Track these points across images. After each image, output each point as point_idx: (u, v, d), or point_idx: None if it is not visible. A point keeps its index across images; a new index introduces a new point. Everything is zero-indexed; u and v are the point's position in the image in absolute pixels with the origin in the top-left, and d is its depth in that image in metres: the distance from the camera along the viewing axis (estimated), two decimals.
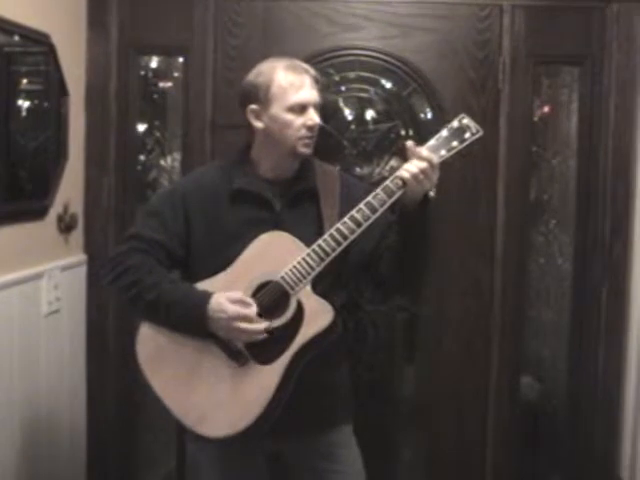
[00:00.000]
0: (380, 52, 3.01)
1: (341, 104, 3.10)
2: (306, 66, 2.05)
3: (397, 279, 2.06)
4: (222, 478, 2.09)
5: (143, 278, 1.97)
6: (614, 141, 2.97)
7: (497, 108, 2.98)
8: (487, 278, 3.03)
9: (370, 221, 1.94)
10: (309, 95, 2.01)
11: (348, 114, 3.11)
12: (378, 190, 1.95)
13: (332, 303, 1.94)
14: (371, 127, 3.12)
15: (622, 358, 3.00)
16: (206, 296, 1.93)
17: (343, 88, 3.10)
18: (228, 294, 1.93)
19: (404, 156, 1.98)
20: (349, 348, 2.10)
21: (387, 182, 1.96)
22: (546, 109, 3.14)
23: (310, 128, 2.01)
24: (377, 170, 3.10)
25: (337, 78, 3.07)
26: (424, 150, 1.94)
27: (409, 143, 1.96)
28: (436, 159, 1.94)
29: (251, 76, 2.05)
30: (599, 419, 3.03)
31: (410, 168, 1.92)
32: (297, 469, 2.13)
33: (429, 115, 3.07)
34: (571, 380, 3.08)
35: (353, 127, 3.11)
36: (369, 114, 3.12)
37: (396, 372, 3.23)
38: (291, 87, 1.99)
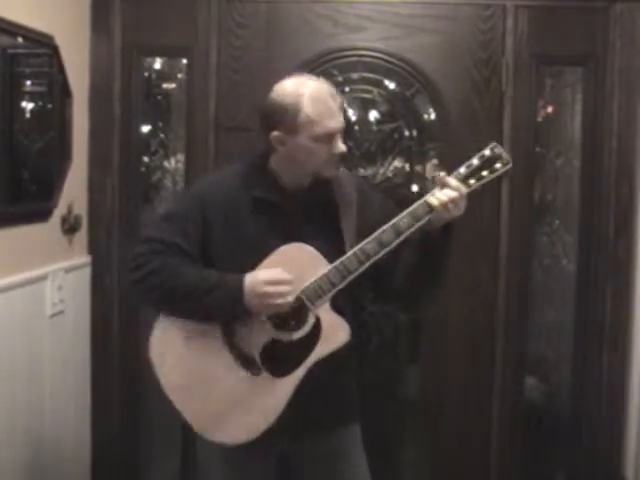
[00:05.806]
0: (383, 53, 3.01)
1: (344, 105, 3.10)
2: (331, 89, 1.98)
3: (405, 295, 2.05)
4: (232, 476, 2.09)
5: (171, 277, 1.94)
6: (618, 141, 2.96)
7: (500, 109, 2.98)
8: (491, 278, 3.02)
9: (395, 244, 1.92)
10: (336, 124, 1.96)
11: (351, 115, 3.12)
12: (405, 213, 1.93)
13: (345, 317, 1.93)
14: (374, 128, 3.12)
15: (626, 358, 2.99)
16: (241, 276, 1.93)
17: (346, 89, 3.10)
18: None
19: (439, 184, 1.95)
20: (355, 347, 2.10)
21: (415, 206, 1.93)
22: (549, 109, 3.13)
23: (337, 155, 1.98)
24: (381, 170, 3.10)
25: (340, 79, 3.07)
26: (453, 180, 1.93)
27: (441, 174, 1.95)
28: (464, 189, 1.93)
29: (276, 97, 1.96)
30: (603, 419, 3.03)
31: (440, 196, 1.91)
32: (307, 468, 2.12)
33: (432, 116, 3.07)
34: (575, 380, 3.08)
35: (357, 128, 3.11)
36: (372, 115, 3.12)
37: (400, 372, 3.23)
38: (319, 117, 1.92)
